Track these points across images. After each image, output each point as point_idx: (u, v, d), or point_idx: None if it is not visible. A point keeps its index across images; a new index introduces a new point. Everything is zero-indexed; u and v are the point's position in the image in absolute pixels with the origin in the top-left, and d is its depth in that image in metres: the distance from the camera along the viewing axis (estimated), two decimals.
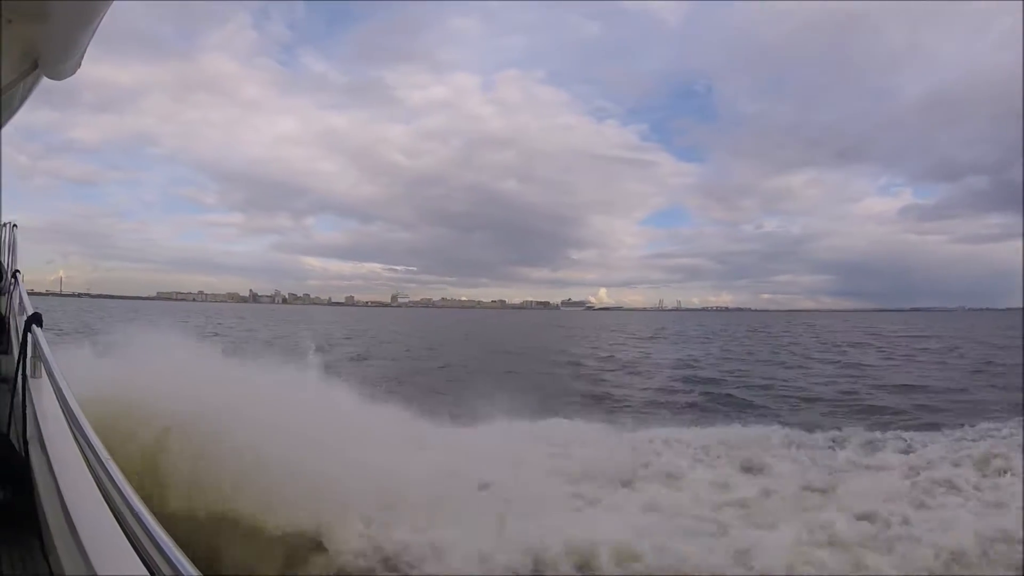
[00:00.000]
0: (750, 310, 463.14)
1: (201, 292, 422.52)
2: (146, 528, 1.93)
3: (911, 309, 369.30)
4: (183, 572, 1.69)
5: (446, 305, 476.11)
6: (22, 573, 3.62)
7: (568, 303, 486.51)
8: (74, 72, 3.45)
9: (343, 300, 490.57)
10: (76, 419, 2.82)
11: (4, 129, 6.75)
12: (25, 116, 5.67)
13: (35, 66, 3.33)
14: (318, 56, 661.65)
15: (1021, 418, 15.82)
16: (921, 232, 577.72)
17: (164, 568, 1.76)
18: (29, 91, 4.20)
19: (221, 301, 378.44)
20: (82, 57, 3.34)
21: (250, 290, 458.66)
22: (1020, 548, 8.49)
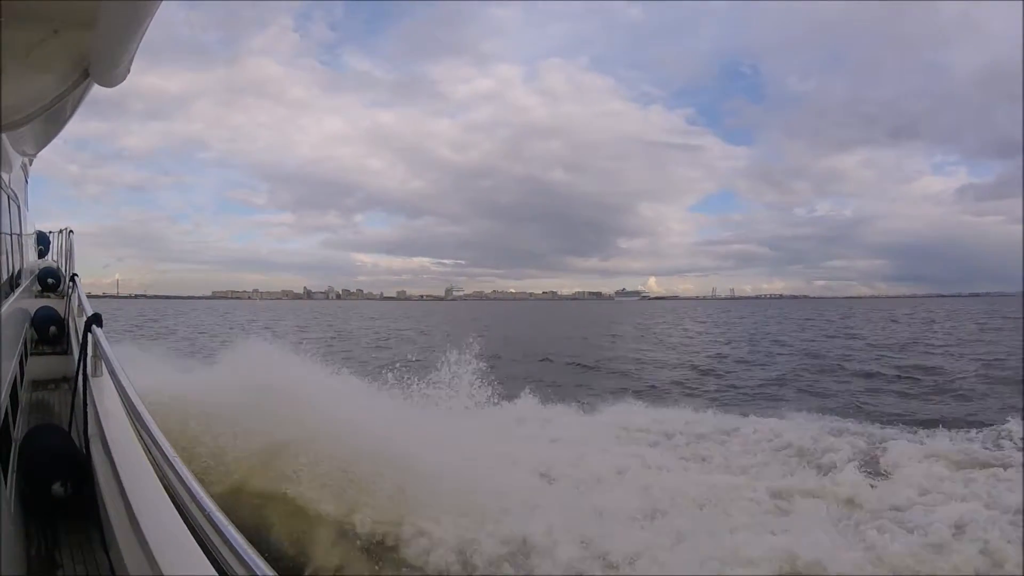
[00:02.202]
0: (806, 297, 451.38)
1: (256, 290, 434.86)
2: (216, 525, 1.83)
3: (970, 294, 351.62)
4: (256, 571, 1.58)
5: (498, 297, 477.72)
6: (83, 566, 3.63)
7: (622, 293, 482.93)
8: (124, 78, 3.48)
9: (395, 295, 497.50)
10: (140, 416, 2.80)
11: (54, 141, 6.98)
12: (75, 127, 5.83)
13: (86, 75, 3.38)
14: (361, 55, 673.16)
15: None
16: (978, 213, 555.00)
17: (236, 567, 1.68)
18: (80, 100, 4.28)
19: (276, 298, 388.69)
20: (131, 62, 3.37)
21: (304, 287, 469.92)
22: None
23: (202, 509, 1.88)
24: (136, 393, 3.13)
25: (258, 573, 1.57)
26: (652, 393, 21.73)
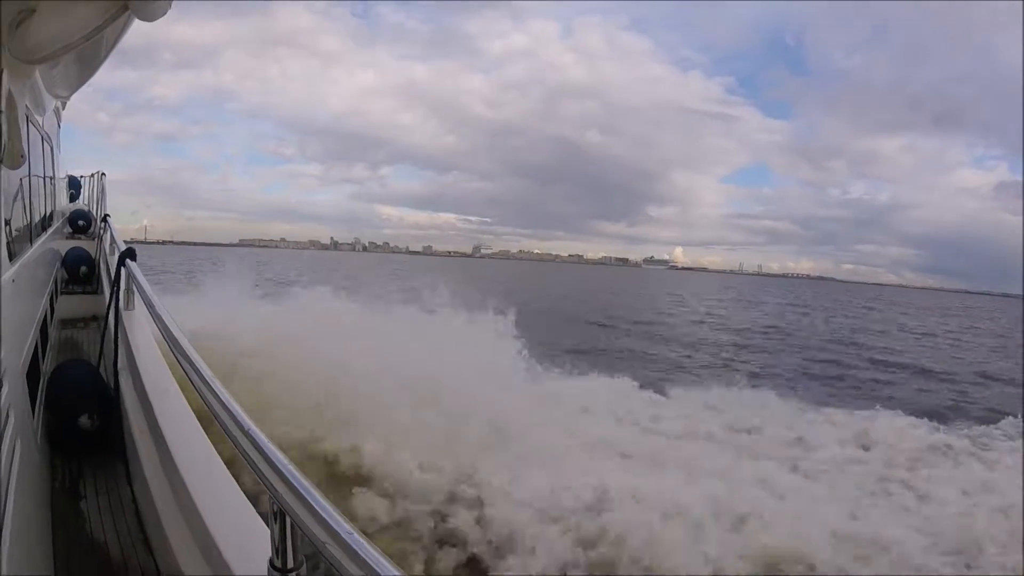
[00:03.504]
0: (833, 280, 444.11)
1: (283, 239, 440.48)
2: (258, 446, 1.65)
3: (1000, 294, 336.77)
4: (311, 501, 1.37)
5: (524, 258, 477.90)
6: (106, 498, 3.74)
7: (650, 261, 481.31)
8: (164, 13, 3.38)
9: (420, 249, 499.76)
10: (177, 341, 2.76)
11: (84, 89, 6.96)
12: (106, 76, 5.81)
13: (125, 8, 3.34)
14: (394, 6, 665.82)
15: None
16: (1016, 212, 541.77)
17: (281, 490, 1.48)
18: (115, 40, 4.26)
19: (303, 248, 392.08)
20: None
21: (331, 238, 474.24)
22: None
23: (242, 429, 1.76)
24: (173, 320, 3.09)
25: (307, 498, 1.39)
26: None
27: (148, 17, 3.36)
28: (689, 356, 26.51)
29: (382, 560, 1.18)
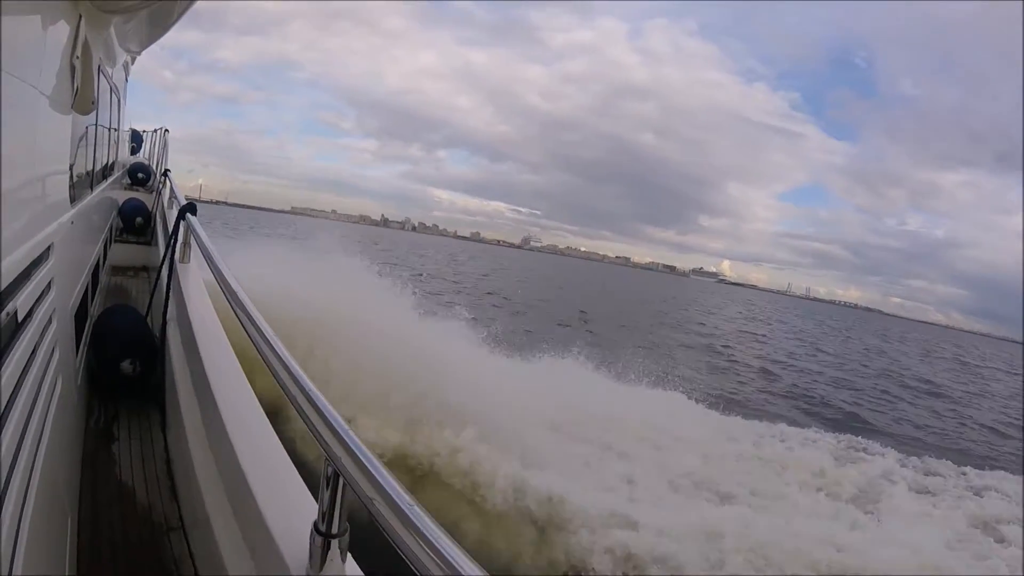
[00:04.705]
0: (880, 312, 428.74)
1: (334, 211, 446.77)
2: (313, 402, 1.63)
3: None
4: (369, 466, 1.34)
5: (571, 254, 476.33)
6: (139, 444, 3.84)
7: (699, 272, 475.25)
8: None
9: (468, 235, 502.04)
10: (236, 295, 2.72)
11: (152, 48, 7.10)
12: (172, 36, 5.93)
13: None
14: None
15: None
16: None
17: (333, 445, 1.45)
18: (189, 3, 4.37)
19: (353, 222, 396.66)
20: None
21: (382, 215, 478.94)
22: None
23: (300, 386, 1.72)
24: (232, 275, 3.04)
25: (365, 463, 1.36)
26: None
27: None
28: None
29: (440, 533, 1.13)
